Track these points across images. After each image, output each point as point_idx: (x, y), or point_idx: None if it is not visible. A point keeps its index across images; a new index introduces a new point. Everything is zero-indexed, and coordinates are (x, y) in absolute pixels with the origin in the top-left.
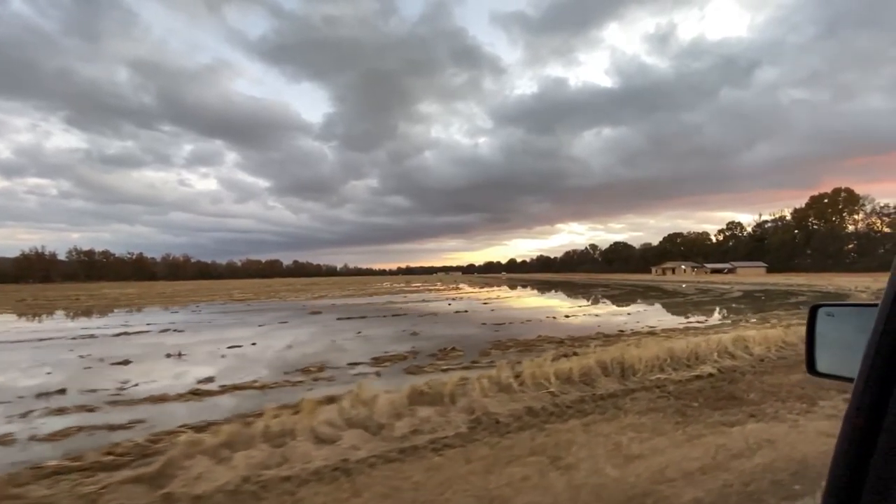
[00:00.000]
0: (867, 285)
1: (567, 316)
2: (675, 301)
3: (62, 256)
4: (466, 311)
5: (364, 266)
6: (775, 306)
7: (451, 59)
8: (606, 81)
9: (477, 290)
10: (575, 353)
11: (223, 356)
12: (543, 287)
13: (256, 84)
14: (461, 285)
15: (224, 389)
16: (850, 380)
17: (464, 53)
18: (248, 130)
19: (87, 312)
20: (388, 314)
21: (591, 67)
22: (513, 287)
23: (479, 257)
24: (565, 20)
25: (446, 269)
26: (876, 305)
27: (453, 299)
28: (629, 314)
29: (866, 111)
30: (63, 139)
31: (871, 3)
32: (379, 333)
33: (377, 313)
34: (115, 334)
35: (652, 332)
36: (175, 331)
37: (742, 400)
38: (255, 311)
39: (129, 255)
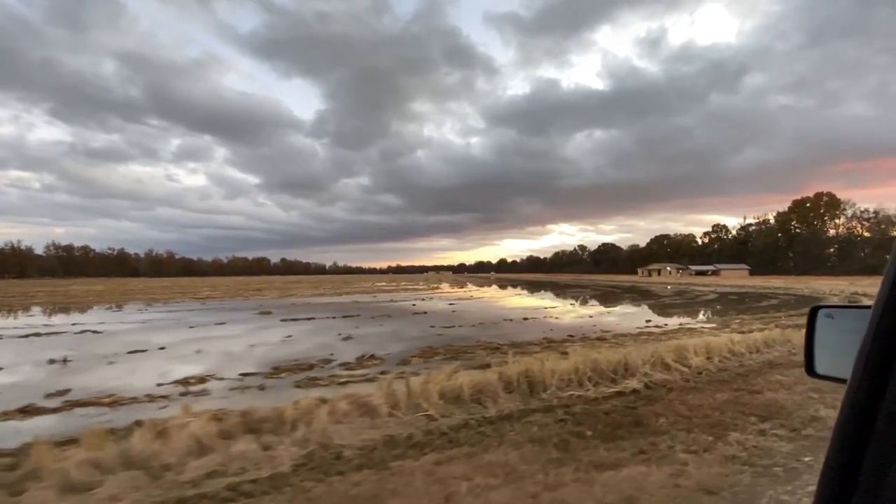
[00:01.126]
0: (842, 289)
1: (526, 319)
2: (646, 303)
3: (41, 251)
4: (426, 313)
5: (354, 265)
6: (744, 310)
7: (445, 58)
8: (598, 84)
9: (455, 289)
10: (487, 365)
11: (112, 363)
12: (525, 287)
13: (247, 79)
14: (442, 285)
15: (67, 405)
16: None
17: (457, 53)
18: (238, 126)
19: (27, 309)
20: (341, 314)
21: (583, 69)
22: (495, 286)
23: (470, 257)
24: (558, 22)
25: (437, 269)
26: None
27: (422, 299)
28: (591, 316)
29: (851, 118)
30: (47, 131)
31: (856, 13)
32: (312, 337)
33: (332, 313)
34: (24, 335)
35: (602, 338)
36: (94, 332)
37: (647, 427)
38: (206, 310)
39: (109, 251)
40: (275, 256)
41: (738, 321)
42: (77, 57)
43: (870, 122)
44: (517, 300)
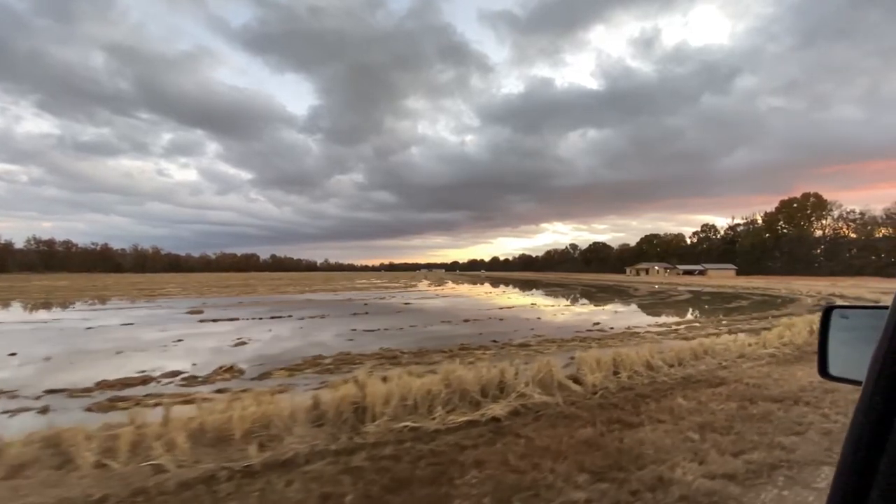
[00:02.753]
0: (820, 289)
1: (466, 320)
2: (613, 303)
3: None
4: (367, 314)
5: (347, 262)
6: (710, 311)
7: (439, 55)
8: (592, 83)
9: (433, 287)
10: (350, 381)
11: None
12: (505, 284)
13: (239, 74)
14: (423, 281)
15: None
16: (862, 383)
17: (451, 50)
18: (230, 121)
19: None
20: (280, 313)
21: (577, 69)
22: (477, 284)
23: (464, 255)
24: (552, 21)
25: (430, 266)
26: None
27: (392, 296)
28: (539, 318)
29: (840, 121)
30: (34, 124)
31: (847, 16)
32: (203, 341)
33: (272, 311)
34: None
35: (526, 345)
36: None
37: (439, 488)
38: (135, 308)
39: (93, 246)
40: (268, 253)
41: (696, 324)
42: (65, 48)
43: (859, 125)
44: (487, 298)
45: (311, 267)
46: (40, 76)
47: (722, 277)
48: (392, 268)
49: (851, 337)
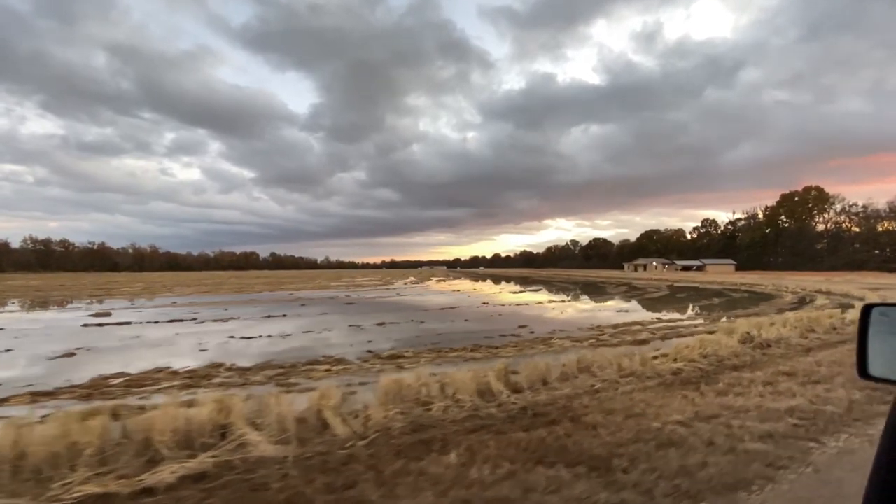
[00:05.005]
0: (806, 286)
1: (413, 321)
2: (589, 300)
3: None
4: (303, 307)
5: (349, 260)
6: (674, 309)
7: (439, 51)
8: (594, 78)
9: (415, 284)
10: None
11: None
12: (494, 280)
13: (240, 72)
14: (410, 279)
15: None
16: None
17: (452, 46)
18: (232, 119)
19: None
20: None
21: (578, 64)
22: (456, 280)
23: (466, 252)
24: (553, 15)
25: (431, 264)
26: None
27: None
28: (465, 321)
29: (846, 114)
30: (38, 124)
31: (852, 8)
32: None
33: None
34: None
35: (400, 357)
36: None
37: None
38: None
39: (90, 245)
40: (272, 251)
41: (636, 327)
42: (68, 49)
43: (864, 119)
44: (457, 297)
45: (311, 265)
46: (43, 77)
47: (720, 273)
48: (393, 265)
49: (893, 336)
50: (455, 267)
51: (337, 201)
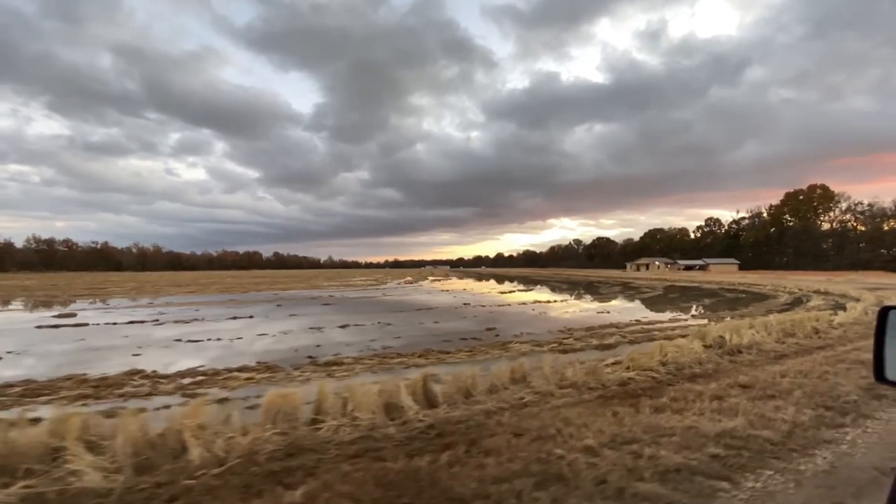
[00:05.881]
0: (806, 286)
1: (345, 325)
2: (576, 299)
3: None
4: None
5: (352, 259)
6: (659, 309)
7: (442, 50)
8: (598, 77)
9: (408, 284)
10: None
11: None
12: (487, 279)
13: (244, 73)
14: (407, 278)
15: None
16: None
17: (455, 45)
18: (236, 120)
19: None
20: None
21: (582, 63)
22: (472, 279)
23: (470, 251)
24: (557, 14)
25: (434, 263)
26: None
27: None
28: (435, 323)
29: (852, 112)
30: (45, 125)
31: (858, 5)
32: None
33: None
34: None
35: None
36: None
37: None
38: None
39: (93, 244)
40: (276, 250)
41: (611, 330)
42: (73, 50)
43: (871, 117)
44: (442, 292)
45: (314, 265)
46: (49, 78)
47: (723, 273)
48: (397, 265)
49: None
50: (458, 266)
51: (341, 201)
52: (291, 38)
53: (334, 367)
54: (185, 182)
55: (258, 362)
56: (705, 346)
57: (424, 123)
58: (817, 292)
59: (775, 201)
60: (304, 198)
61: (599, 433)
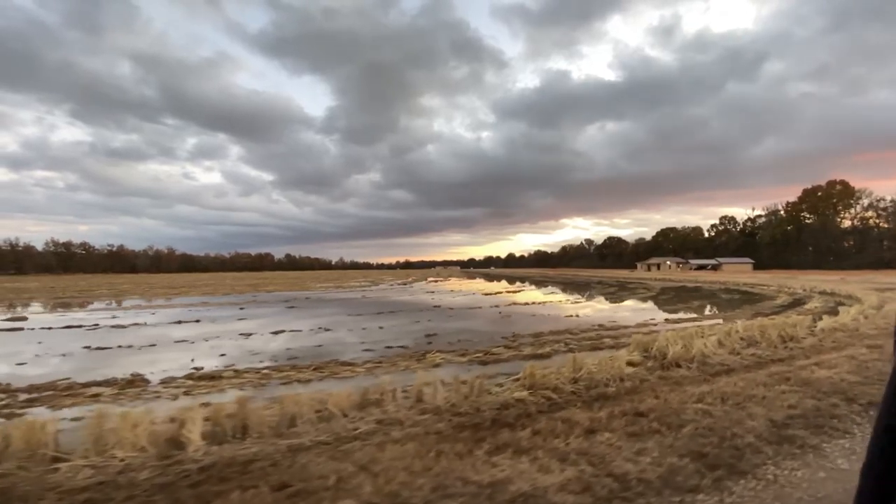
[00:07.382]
0: (812, 286)
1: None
2: (566, 299)
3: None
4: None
5: (364, 260)
6: (646, 311)
7: (452, 51)
8: (610, 75)
9: (403, 284)
10: None
11: None
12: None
13: (258, 77)
14: (411, 278)
15: None
16: None
17: (465, 46)
18: (250, 124)
19: None
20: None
21: (594, 60)
22: (476, 279)
23: (482, 252)
24: (567, 12)
25: (446, 264)
26: None
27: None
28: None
29: (876, 105)
30: (68, 132)
31: None
32: None
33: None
34: None
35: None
36: None
37: None
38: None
39: (109, 247)
40: (291, 252)
41: (569, 335)
42: (94, 58)
43: (894, 111)
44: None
45: (325, 266)
46: (71, 86)
47: (735, 272)
48: (408, 265)
49: None
50: (469, 267)
51: (353, 202)
52: (303, 42)
53: (220, 381)
54: (202, 186)
55: (147, 372)
56: (644, 358)
57: (435, 124)
58: (822, 293)
59: (793, 198)
60: (318, 200)
61: (377, 492)
